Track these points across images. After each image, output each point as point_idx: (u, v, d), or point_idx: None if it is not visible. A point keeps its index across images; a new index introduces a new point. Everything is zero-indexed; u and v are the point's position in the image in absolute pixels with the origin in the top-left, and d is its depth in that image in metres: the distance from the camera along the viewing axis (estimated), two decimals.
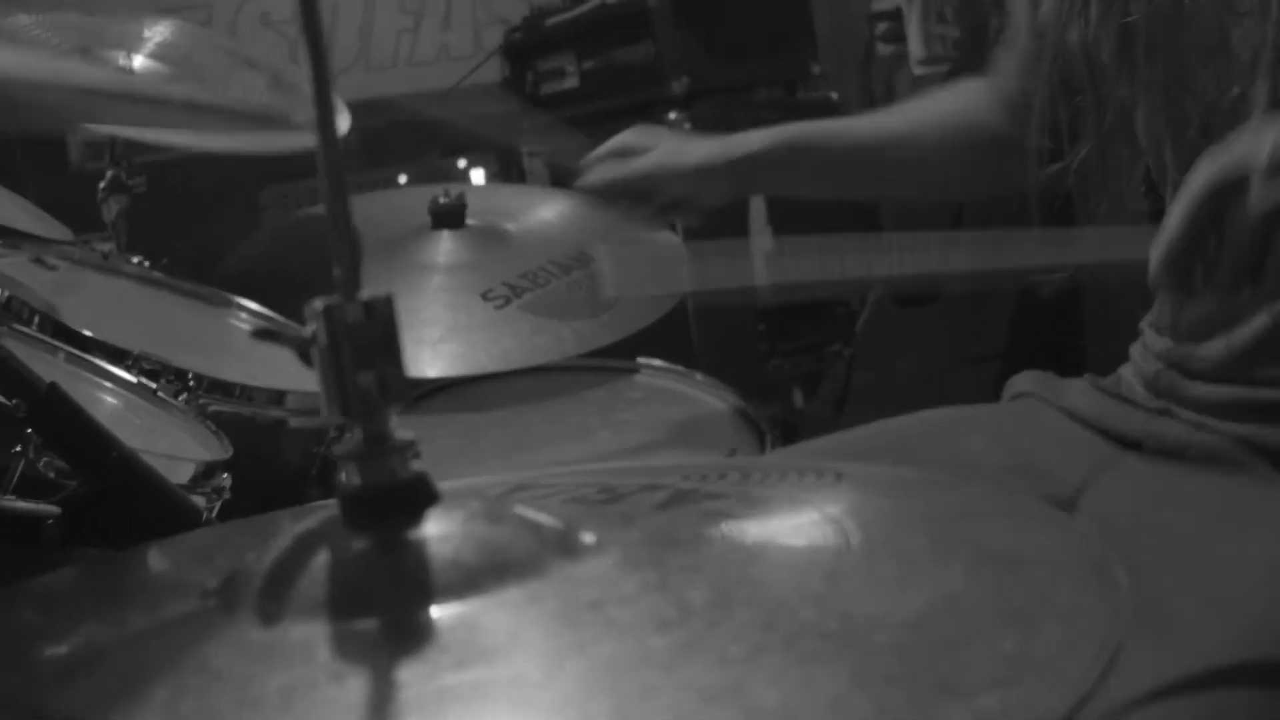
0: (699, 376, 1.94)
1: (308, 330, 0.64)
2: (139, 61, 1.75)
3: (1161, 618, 1.00)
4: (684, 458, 1.72)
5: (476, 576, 0.58)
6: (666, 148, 1.63)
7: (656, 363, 1.99)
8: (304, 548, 0.62)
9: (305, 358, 0.66)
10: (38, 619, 0.74)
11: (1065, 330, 2.50)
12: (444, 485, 0.66)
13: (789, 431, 1.88)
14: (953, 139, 1.53)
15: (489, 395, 1.86)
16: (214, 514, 1.19)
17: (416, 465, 0.64)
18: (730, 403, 1.89)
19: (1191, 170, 1.00)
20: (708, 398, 1.92)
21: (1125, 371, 1.34)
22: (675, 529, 0.64)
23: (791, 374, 1.73)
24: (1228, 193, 0.93)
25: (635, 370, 1.99)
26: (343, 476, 0.64)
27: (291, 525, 0.66)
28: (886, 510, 0.66)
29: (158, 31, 1.76)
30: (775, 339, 3.03)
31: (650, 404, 1.90)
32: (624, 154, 1.64)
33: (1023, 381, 1.45)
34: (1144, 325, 1.33)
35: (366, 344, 0.63)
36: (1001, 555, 0.59)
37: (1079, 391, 1.36)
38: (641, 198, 1.65)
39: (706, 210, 1.66)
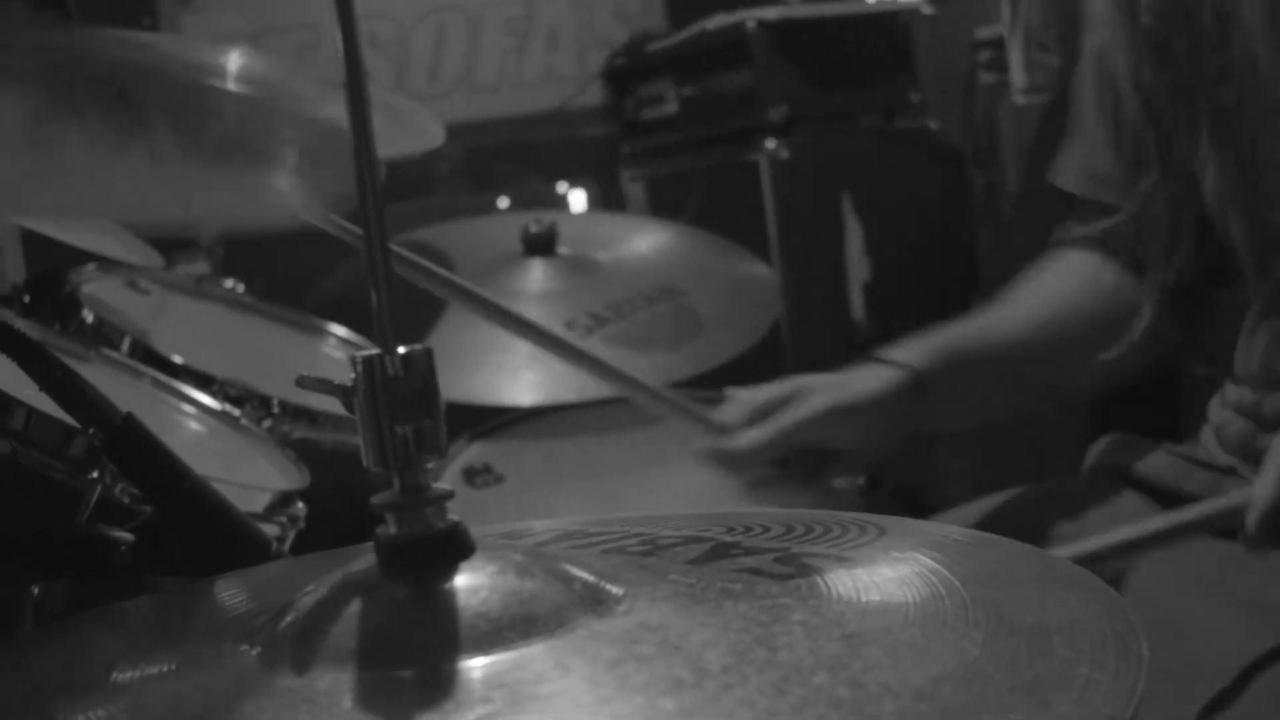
0: None
1: (349, 380, 0.65)
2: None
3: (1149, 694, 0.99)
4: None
5: (502, 630, 0.59)
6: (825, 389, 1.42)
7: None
8: (340, 595, 0.64)
9: (349, 407, 0.67)
10: (113, 643, 0.77)
11: (1160, 379, 2.45)
12: (489, 530, 0.67)
13: (875, 470, 1.87)
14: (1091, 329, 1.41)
15: (574, 423, 1.87)
16: (287, 544, 1.21)
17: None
18: None
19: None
20: None
21: (1204, 431, 1.32)
22: (706, 586, 0.65)
23: None
24: None
25: (721, 402, 1.99)
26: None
27: (342, 567, 0.67)
28: (920, 571, 0.66)
29: (236, 59, 1.79)
30: None
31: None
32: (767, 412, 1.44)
33: (1104, 448, 1.42)
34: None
35: (404, 396, 0.64)
36: (1025, 624, 0.59)
37: (1155, 457, 1.33)
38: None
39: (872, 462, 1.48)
